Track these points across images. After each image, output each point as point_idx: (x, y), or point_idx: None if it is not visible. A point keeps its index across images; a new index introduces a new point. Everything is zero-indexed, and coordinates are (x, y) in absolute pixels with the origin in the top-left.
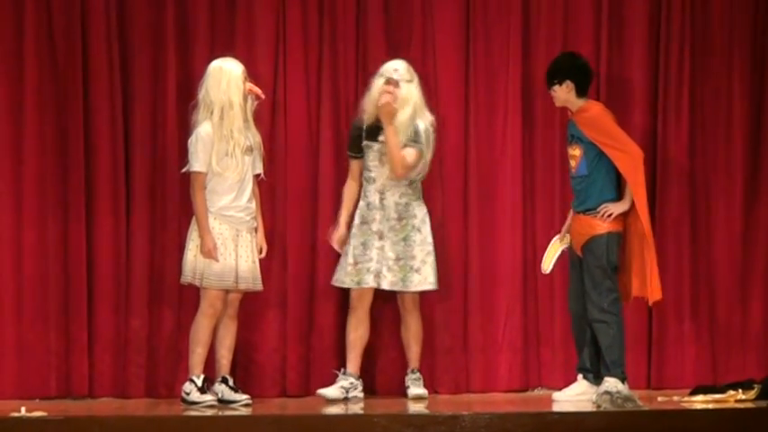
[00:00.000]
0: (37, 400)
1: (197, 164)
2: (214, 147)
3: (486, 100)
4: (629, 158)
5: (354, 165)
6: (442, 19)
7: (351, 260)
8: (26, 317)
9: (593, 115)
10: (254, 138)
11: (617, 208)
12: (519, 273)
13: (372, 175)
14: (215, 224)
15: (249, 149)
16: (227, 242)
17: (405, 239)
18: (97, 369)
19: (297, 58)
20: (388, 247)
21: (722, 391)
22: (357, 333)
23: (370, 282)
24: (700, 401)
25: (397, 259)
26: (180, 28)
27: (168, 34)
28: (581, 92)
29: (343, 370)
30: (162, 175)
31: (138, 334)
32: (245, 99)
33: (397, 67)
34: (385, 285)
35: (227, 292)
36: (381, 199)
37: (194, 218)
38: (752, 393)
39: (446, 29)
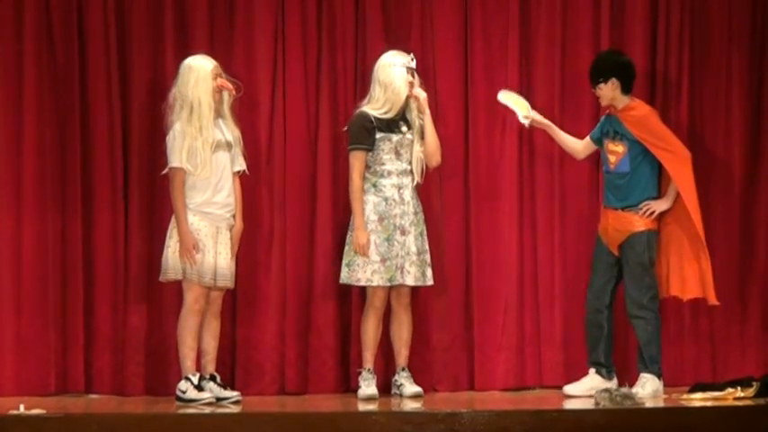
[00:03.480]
0: (36, 398)
1: (176, 160)
2: (185, 144)
3: (485, 95)
4: (677, 159)
5: (363, 158)
6: (441, 15)
7: (377, 258)
8: (25, 315)
9: (642, 115)
10: (234, 133)
11: (659, 206)
12: (518, 271)
13: (388, 168)
14: (194, 220)
15: (227, 145)
16: (207, 239)
17: (421, 234)
18: (96, 367)
19: (295, 56)
20: (410, 241)
21: (721, 388)
22: (378, 331)
23: (398, 278)
24: (699, 399)
25: (418, 254)
26: (179, 28)
27: (167, 34)
28: (626, 89)
29: (369, 368)
30: (160, 174)
31: (137, 332)
32: (214, 96)
33: (412, 57)
34: (409, 281)
35: (209, 288)
36: (400, 194)
37: (174, 216)
38: (751, 391)
39: (445, 25)
